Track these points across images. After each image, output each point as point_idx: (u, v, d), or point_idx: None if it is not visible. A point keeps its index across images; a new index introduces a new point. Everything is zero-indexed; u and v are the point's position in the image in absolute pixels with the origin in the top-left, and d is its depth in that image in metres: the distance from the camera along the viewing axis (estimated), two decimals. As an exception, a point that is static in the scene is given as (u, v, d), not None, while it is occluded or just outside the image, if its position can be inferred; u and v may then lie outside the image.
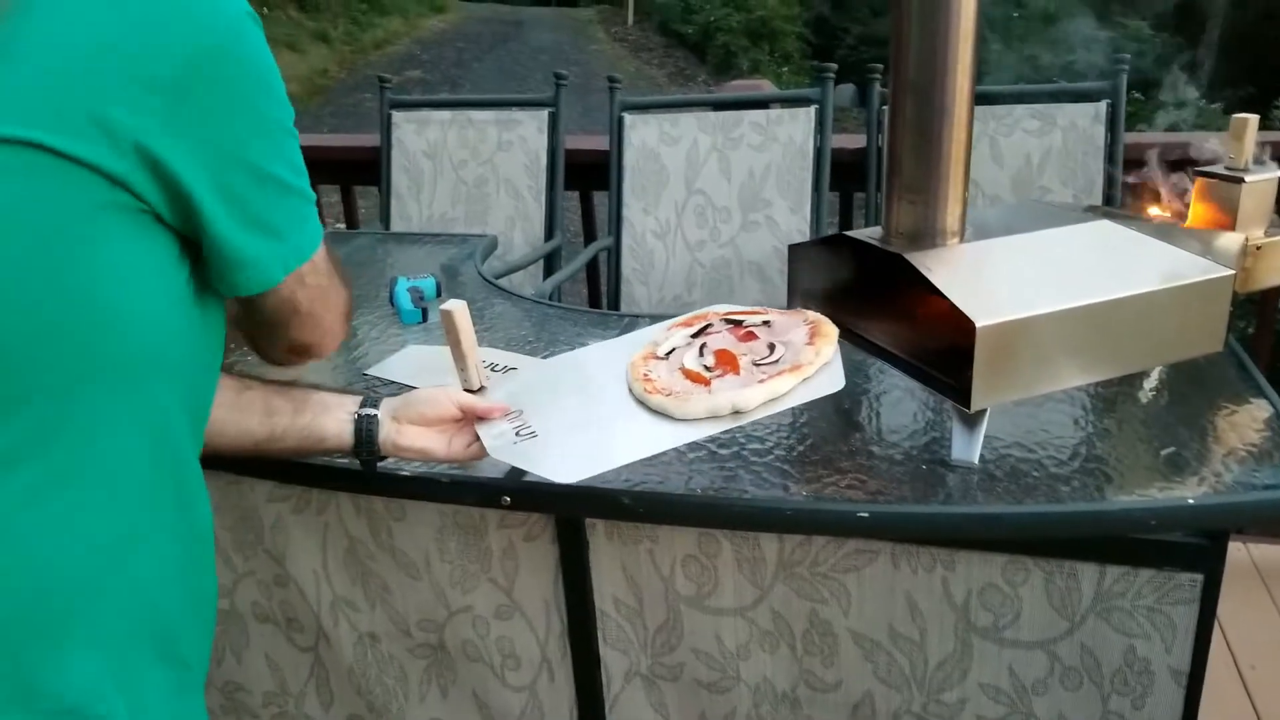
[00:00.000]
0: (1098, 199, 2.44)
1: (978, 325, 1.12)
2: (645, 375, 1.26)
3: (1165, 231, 1.47)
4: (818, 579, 1.34)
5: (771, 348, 1.26)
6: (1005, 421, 1.35)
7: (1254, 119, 1.46)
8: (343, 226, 3.43)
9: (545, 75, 2.83)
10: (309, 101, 15.15)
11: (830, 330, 1.26)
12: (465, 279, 2.12)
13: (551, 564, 1.42)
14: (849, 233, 1.35)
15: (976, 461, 1.21)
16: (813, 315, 1.31)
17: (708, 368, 1.25)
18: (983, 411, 1.21)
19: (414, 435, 1.22)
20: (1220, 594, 1.20)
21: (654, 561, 1.39)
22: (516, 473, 1.27)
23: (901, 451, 1.32)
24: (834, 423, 1.41)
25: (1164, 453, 1.26)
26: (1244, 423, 1.33)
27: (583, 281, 3.20)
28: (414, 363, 1.61)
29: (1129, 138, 2.46)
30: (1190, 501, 1.14)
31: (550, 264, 2.85)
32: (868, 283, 1.37)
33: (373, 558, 1.49)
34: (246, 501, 1.51)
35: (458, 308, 1.39)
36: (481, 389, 1.49)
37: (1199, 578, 1.21)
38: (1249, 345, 2.76)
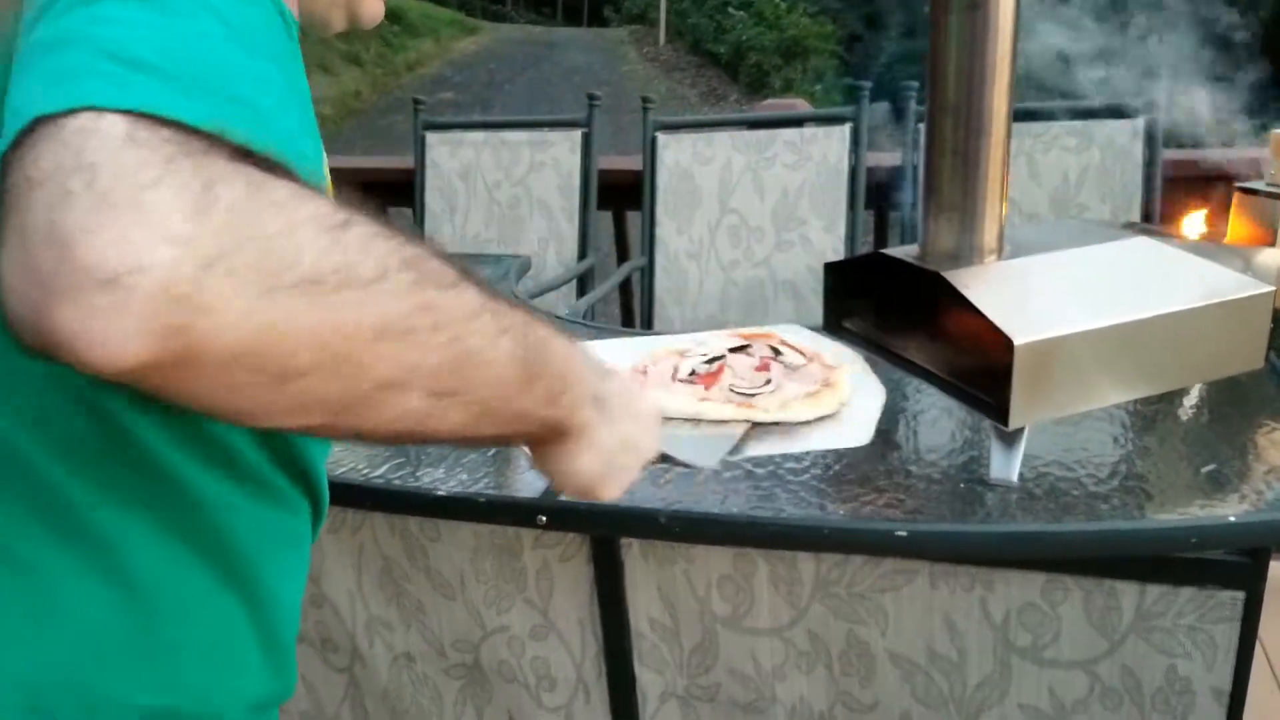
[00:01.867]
0: (1136, 216, 2.43)
1: (1016, 343, 1.12)
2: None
3: (1205, 248, 1.46)
4: (855, 599, 1.33)
5: (768, 382, 1.28)
6: (1044, 440, 1.34)
7: (1294, 134, 1.45)
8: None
9: (577, 96, 2.85)
10: (342, 124, 15.32)
11: (836, 389, 1.27)
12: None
13: (587, 584, 1.42)
14: (886, 250, 1.35)
15: (1015, 480, 1.21)
16: (835, 375, 1.33)
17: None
18: (1021, 430, 1.21)
19: None
20: (1262, 613, 1.19)
21: (690, 582, 1.39)
22: (551, 492, 1.27)
23: (939, 470, 1.31)
24: (872, 442, 1.41)
25: (1204, 470, 1.24)
26: (1287, 440, 1.32)
27: (616, 302, 3.21)
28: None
29: (1168, 154, 2.44)
30: (1231, 519, 1.13)
31: (583, 284, 2.86)
32: (905, 301, 1.36)
33: (408, 578, 1.49)
34: (285, 520, 1.52)
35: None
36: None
37: (1240, 596, 1.20)
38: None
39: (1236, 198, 1.49)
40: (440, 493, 1.31)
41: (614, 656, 1.46)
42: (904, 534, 1.17)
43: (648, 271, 2.82)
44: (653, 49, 23.03)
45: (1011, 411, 1.15)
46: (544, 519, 1.27)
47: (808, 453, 1.34)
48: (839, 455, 1.37)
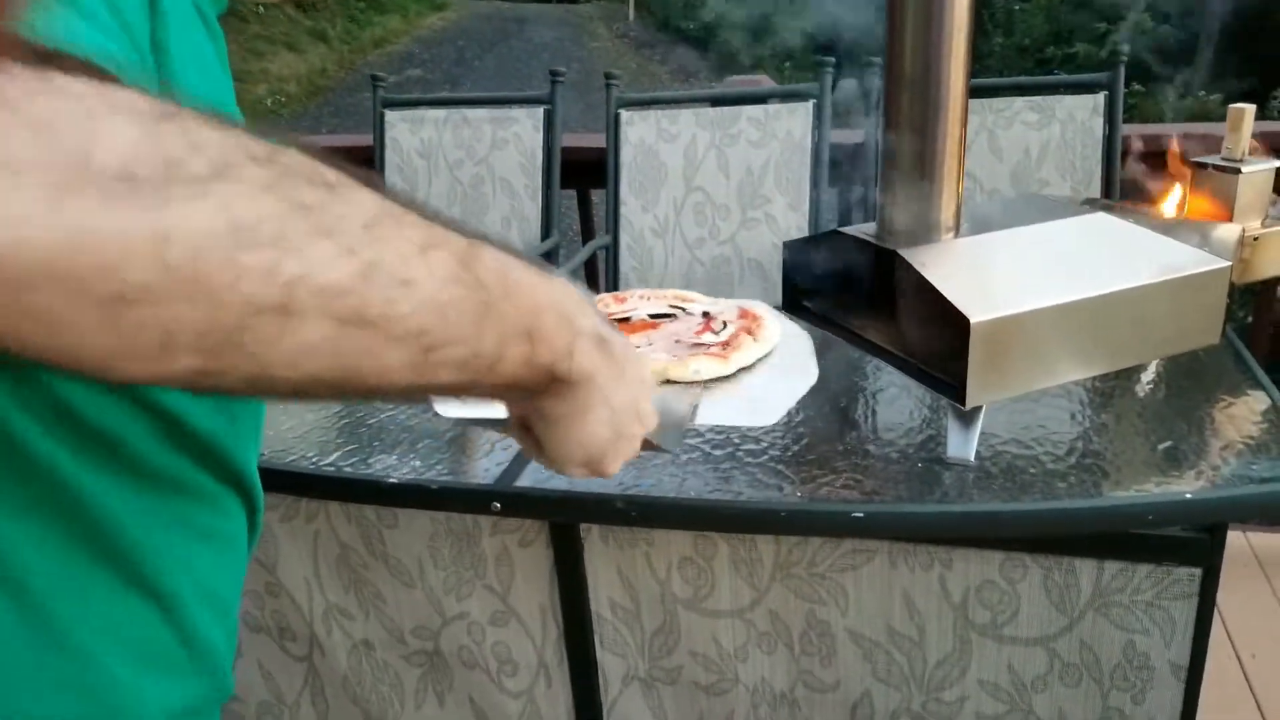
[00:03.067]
0: (1097, 191, 2.43)
1: (972, 321, 1.11)
2: None
3: (1162, 224, 1.46)
4: (815, 579, 1.33)
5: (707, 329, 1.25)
6: (1001, 417, 1.34)
7: (1250, 109, 1.45)
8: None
9: (546, 73, 2.81)
10: (308, 102, 15.17)
11: (767, 326, 1.24)
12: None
13: (546, 569, 1.41)
14: (843, 229, 1.34)
15: (973, 459, 1.20)
16: (754, 309, 1.30)
17: None
18: (978, 409, 1.20)
19: None
20: (1220, 583, 1.19)
21: (650, 565, 1.38)
22: (507, 478, 1.26)
23: (898, 450, 1.30)
24: (830, 421, 1.40)
25: (1161, 447, 1.24)
26: (1241, 415, 1.31)
27: (582, 282, 3.19)
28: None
29: (1127, 129, 2.44)
30: (1188, 496, 1.13)
31: (547, 263, 2.83)
32: (863, 279, 1.35)
33: (365, 565, 1.48)
34: (239, 508, 1.50)
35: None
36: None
37: (1197, 572, 1.20)
38: (1247, 336, 2.75)
39: (1193, 173, 1.48)
40: (391, 480, 1.29)
41: (575, 641, 1.45)
42: (861, 515, 1.17)
43: (612, 250, 2.79)
44: (622, 25, 22.91)
45: (968, 390, 1.14)
46: (499, 506, 1.25)
47: (726, 427, 1.32)
48: (797, 435, 1.36)
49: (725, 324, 1.30)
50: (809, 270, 1.43)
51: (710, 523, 1.24)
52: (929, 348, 1.24)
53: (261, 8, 17.60)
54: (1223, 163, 1.46)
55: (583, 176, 2.97)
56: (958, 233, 1.27)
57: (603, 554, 1.39)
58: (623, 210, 2.78)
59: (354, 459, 1.35)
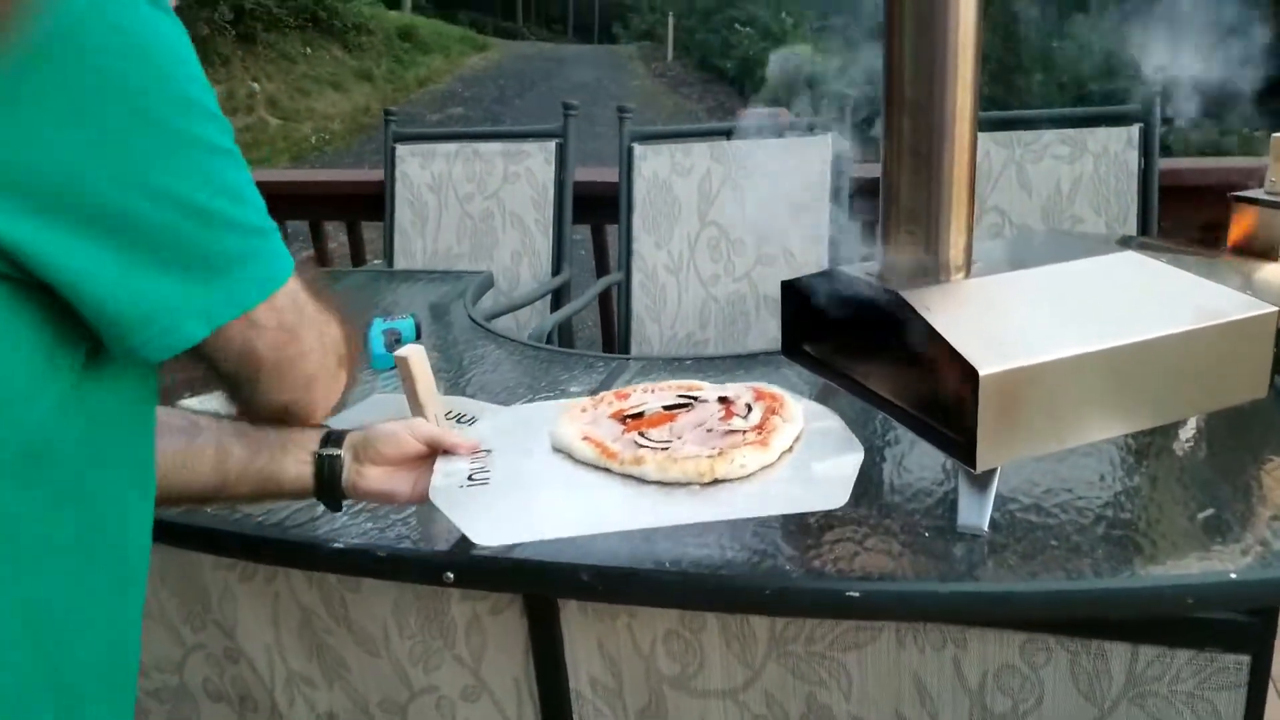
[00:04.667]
0: (1133, 228, 2.28)
1: (981, 373, 0.97)
2: (590, 438, 1.13)
3: (1201, 264, 1.32)
4: (814, 658, 1.19)
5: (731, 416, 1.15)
6: (1020, 478, 1.20)
7: (1298, 137, 1.31)
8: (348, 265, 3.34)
9: (586, 111, 2.72)
10: (351, 139, 15.29)
11: (789, 404, 1.13)
12: (454, 319, 2.00)
13: (521, 640, 1.29)
14: (844, 267, 1.21)
15: (985, 528, 1.06)
16: (768, 389, 1.19)
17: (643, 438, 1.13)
18: (992, 472, 1.06)
19: (375, 477, 1.09)
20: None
21: (633, 638, 1.25)
22: (464, 545, 1.14)
23: (904, 515, 1.17)
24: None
25: (1201, 516, 1.10)
26: (1295, 479, 1.17)
27: (598, 321, 3.08)
28: (378, 414, 1.47)
29: (1165, 163, 2.29)
30: (1232, 576, 0.98)
31: (558, 300, 2.72)
32: (865, 324, 1.22)
33: (329, 631, 1.36)
34: (192, 567, 1.39)
35: (414, 353, 1.27)
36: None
37: (1245, 659, 1.06)
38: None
39: (1234, 208, 1.34)
40: (336, 546, 1.17)
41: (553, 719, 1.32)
42: (856, 595, 1.03)
43: (625, 287, 2.67)
44: (661, 65, 22.96)
45: (979, 451, 1.00)
46: (451, 576, 1.12)
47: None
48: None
49: (749, 407, 1.18)
50: (809, 312, 1.30)
51: (686, 599, 1.11)
52: (936, 402, 1.10)
53: (309, 48, 17.84)
54: (1267, 196, 1.31)
55: (597, 211, 2.86)
56: (968, 273, 1.14)
57: (581, 624, 1.26)
58: (635, 246, 2.66)
59: (303, 520, 1.23)
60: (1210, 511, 1.10)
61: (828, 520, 1.16)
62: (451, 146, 2.82)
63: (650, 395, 1.25)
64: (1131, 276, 1.15)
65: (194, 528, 1.20)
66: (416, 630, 1.33)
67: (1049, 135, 2.36)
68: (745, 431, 1.13)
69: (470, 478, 1.09)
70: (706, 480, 1.05)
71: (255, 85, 15.42)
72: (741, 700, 1.24)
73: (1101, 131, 2.33)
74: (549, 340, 2.37)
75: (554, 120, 2.75)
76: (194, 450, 1.04)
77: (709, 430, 1.16)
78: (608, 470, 1.10)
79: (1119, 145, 2.31)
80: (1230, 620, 1.05)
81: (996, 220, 2.39)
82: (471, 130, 3.11)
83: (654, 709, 1.28)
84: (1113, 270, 1.16)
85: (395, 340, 1.69)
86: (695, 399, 1.24)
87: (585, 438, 1.14)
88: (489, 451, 1.15)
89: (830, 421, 1.16)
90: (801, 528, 1.15)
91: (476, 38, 26.85)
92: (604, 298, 2.89)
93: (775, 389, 1.22)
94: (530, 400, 1.55)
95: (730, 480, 1.06)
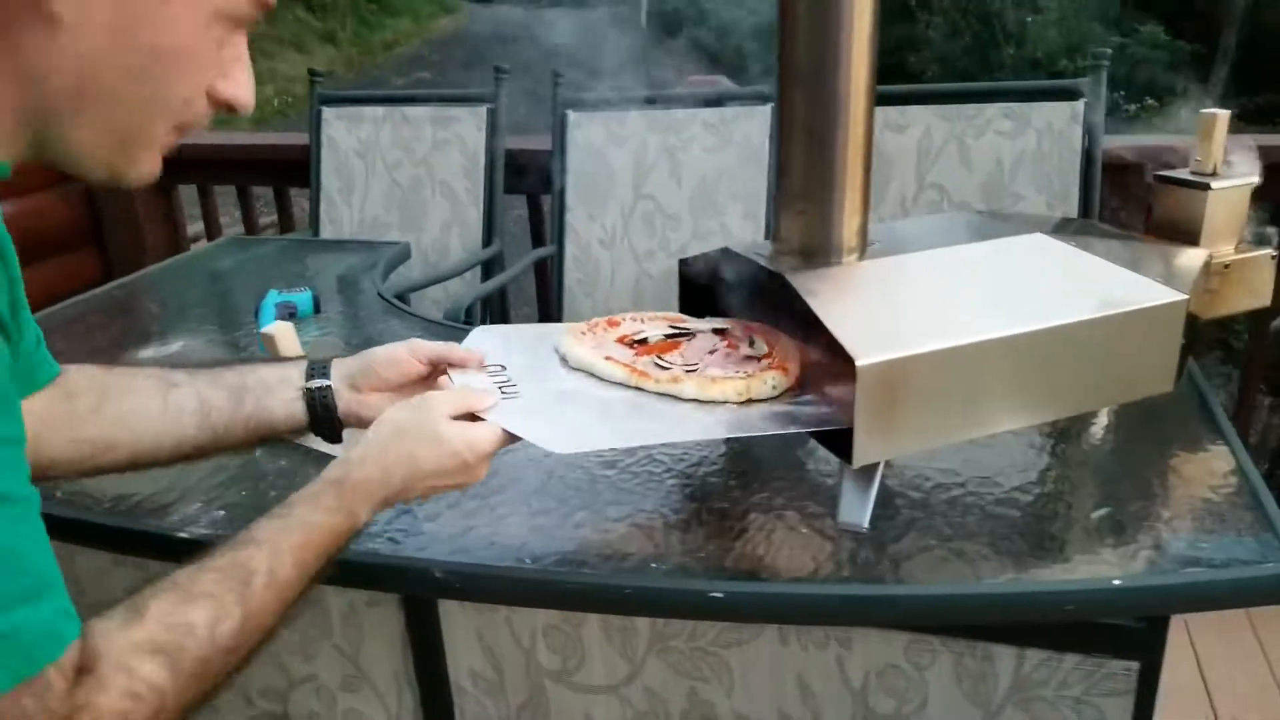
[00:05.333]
0: (1074, 206, 2.22)
1: (859, 363, 0.91)
2: (614, 359, 1.10)
3: (1123, 248, 1.26)
4: (696, 654, 1.14)
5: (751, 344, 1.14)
6: (913, 471, 1.15)
7: (1224, 115, 1.25)
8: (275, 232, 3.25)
9: (550, 73, 2.63)
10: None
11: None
12: (365, 293, 1.92)
13: (399, 632, 1.23)
14: (734, 247, 1.15)
15: (866, 525, 1.00)
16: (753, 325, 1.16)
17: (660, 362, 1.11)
18: (875, 467, 1.00)
19: (378, 403, 1.02)
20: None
21: (512, 631, 1.19)
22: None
23: (789, 509, 1.11)
24: (721, 472, 1.20)
25: (1095, 516, 1.04)
26: (1198, 476, 1.12)
27: (533, 297, 3.00)
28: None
29: (1111, 140, 2.23)
30: (1116, 583, 0.93)
31: (489, 273, 2.64)
32: (758, 306, 1.16)
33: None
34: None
35: (280, 330, 1.21)
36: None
37: (1134, 666, 1.01)
38: (1244, 362, 2.54)
39: (1157, 188, 1.28)
40: (181, 536, 1.10)
41: (434, 713, 1.26)
42: (720, 595, 0.97)
43: (558, 261, 2.60)
44: (634, 31, 22.74)
45: (856, 445, 0.95)
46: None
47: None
48: (670, 489, 1.17)
49: (750, 340, 1.14)
50: (704, 292, 1.24)
51: (542, 598, 1.04)
52: (818, 392, 1.04)
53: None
54: (1191, 177, 1.26)
55: (533, 181, 2.77)
56: (862, 254, 1.08)
57: (460, 618, 1.20)
58: (569, 218, 2.58)
59: (156, 507, 1.16)
60: (1105, 511, 1.05)
61: (705, 513, 1.11)
62: (379, 110, 2.72)
63: (643, 324, 1.21)
64: (1035, 261, 1.09)
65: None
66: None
67: (992, 110, 2.29)
68: (760, 358, 1.11)
69: (502, 390, 1.03)
70: (743, 399, 1.04)
71: (217, 44, 15.11)
72: (623, 695, 1.19)
73: (1046, 106, 2.26)
74: (468, 315, 2.29)
75: (524, 88, 2.66)
76: (172, 408, 0.99)
77: (726, 355, 1.13)
78: (639, 389, 1.06)
79: (1062, 121, 2.25)
80: (1118, 626, 1.00)
81: (935, 198, 2.33)
82: (399, 93, 3.00)
83: (536, 704, 1.23)
84: (1016, 254, 1.10)
85: (290, 314, 1.62)
86: (688, 330, 1.19)
87: (608, 358, 1.11)
88: (502, 366, 1.09)
89: None
90: (680, 522, 1.10)
91: (445, 0, 26.49)
92: (541, 271, 2.81)
93: (761, 325, 1.18)
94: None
95: (761, 400, 1.05)
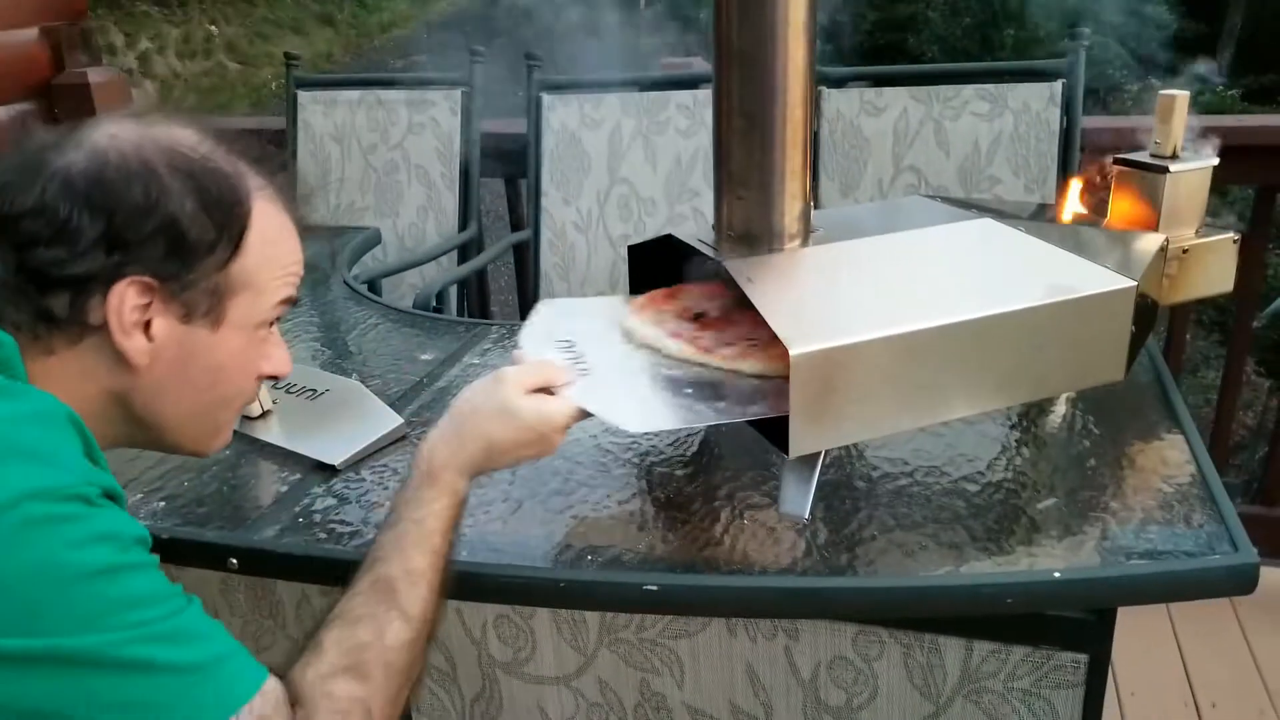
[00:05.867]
0: (1051, 189, 2.20)
1: (793, 352, 0.90)
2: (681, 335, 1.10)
3: (1079, 233, 1.24)
4: (646, 646, 1.13)
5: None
6: (860, 461, 1.13)
7: (1184, 96, 1.23)
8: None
9: (552, 59, 2.60)
10: (312, 86, 14.97)
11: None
12: (332, 279, 1.90)
13: (349, 620, 1.21)
14: (676, 233, 1.13)
15: (807, 516, 0.99)
16: None
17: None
18: (815, 456, 0.99)
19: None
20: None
21: (463, 621, 1.18)
22: (248, 531, 1.06)
23: (734, 499, 1.09)
24: (667, 461, 1.19)
25: (1042, 506, 1.03)
26: (1151, 465, 1.10)
27: (514, 273, 2.97)
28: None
29: (1089, 121, 2.21)
30: (1056, 575, 0.91)
31: (464, 257, 2.62)
32: (700, 294, 1.15)
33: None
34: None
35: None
36: (265, 414, 1.29)
37: (1083, 658, 0.99)
38: (1229, 346, 2.52)
39: (1117, 171, 1.26)
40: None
41: (385, 703, 1.25)
42: (654, 588, 0.95)
43: (534, 245, 2.58)
44: (634, 13, 22.65)
45: (793, 436, 0.93)
46: (235, 562, 1.04)
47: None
48: (625, 482, 1.15)
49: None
50: (651, 278, 1.22)
51: (479, 592, 1.03)
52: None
53: (270, -11, 17.43)
54: (1150, 160, 1.23)
55: (509, 164, 2.75)
56: (805, 241, 1.06)
57: (409, 607, 1.19)
58: (544, 202, 2.56)
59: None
60: (1052, 501, 1.03)
61: (649, 505, 1.09)
62: (354, 94, 2.70)
63: (706, 301, 1.19)
64: (982, 247, 1.07)
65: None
66: (246, 609, 1.26)
67: (968, 91, 2.26)
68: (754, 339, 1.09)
69: (574, 365, 1.05)
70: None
71: (213, 29, 15.04)
72: (575, 687, 1.18)
73: (1022, 88, 2.24)
74: (440, 300, 2.27)
75: (521, 71, 2.62)
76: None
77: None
78: (703, 365, 1.06)
79: (1040, 103, 2.22)
80: (1067, 618, 0.98)
81: (912, 180, 2.30)
82: (374, 76, 2.97)
83: (489, 695, 1.22)
84: (963, 240, 1.08)
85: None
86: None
87: (675, 334, 1.10)
88: (571, 342, 1.11)
89: None
90: (624, 514, 1.08)
91: (446, -17, 26.35)
92: (519, 256, 2.79)
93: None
94: (382, 373, 1.47)
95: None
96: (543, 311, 1.21)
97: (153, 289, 0.79)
